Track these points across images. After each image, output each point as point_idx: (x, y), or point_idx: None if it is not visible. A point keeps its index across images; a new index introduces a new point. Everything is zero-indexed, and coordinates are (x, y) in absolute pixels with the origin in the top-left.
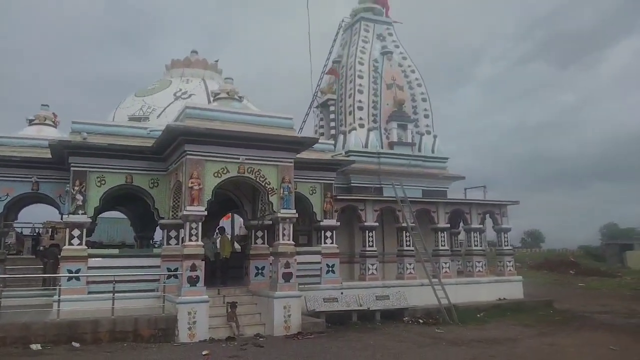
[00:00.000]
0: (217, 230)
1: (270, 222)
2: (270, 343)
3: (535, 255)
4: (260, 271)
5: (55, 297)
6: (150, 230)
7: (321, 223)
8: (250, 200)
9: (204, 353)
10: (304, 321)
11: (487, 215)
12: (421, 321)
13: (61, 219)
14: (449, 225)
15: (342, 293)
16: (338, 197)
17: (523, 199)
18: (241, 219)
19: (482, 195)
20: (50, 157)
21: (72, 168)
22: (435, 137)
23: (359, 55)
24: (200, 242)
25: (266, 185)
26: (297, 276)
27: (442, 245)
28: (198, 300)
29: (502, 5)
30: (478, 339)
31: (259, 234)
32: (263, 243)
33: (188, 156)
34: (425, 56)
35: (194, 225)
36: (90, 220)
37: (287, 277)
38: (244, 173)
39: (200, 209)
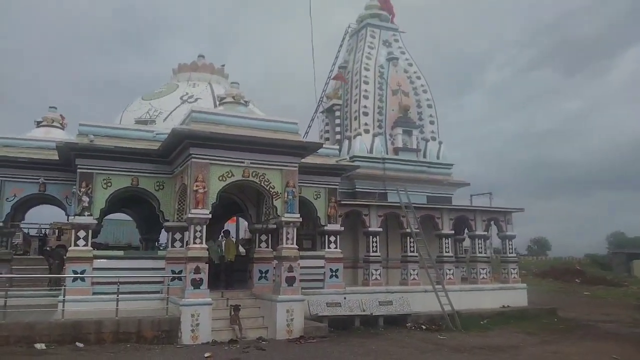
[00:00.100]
0: (222, 233)
1: (275, 226)
2: (273, 346)
3: (541, 263)
4: (263, 275)
5: (60, 298)
6: (155, 232)
7: (325, 228)
8: (254, 204)
9: (206, 355)
10: (307, 325)
11: (492, 222)
12: (424, 327)
13: (67, 220)
14: (453, 231)
15: (345, 298)
16: (342, 202)
17: (529, 206)
18: (246, 223)
19: (488, 202)
20: (58, 158)
21: (78, 170)
22: (440, 143)
23: (365, 61)
24: (204, 245)
25: (270, 189)
26: (301, 280)
27: (446, 252)
28: (201, 302)
29: (509, 11)
30: (481, 346)
31: (263, 237)
32: (267, 247)
33: (193, 159)
34: (432, 63)
35: (198, 228)
36: (96, 222)
37: (291, 281)
38: (248, 177)
39: (204, 212)
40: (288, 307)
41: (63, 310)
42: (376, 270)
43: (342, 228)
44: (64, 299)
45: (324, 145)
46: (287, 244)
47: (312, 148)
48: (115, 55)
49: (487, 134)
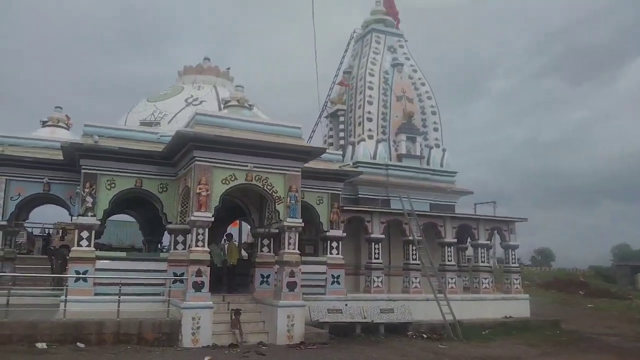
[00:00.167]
0: (224, 237)
1: (277, 231)
2: (273, 352)
3: (545, 274)
4: (265, 279)
5: (62, 298)
6: (158, 234)
7: (327, 233)
8: (257, 208)
9: (206, 359)
10: (307, 331)
11: (495, 232)
12: (425, 336)
13: (71, 220)
14: (456, 240)
15: (346, 305)
16: (345, 208)
17: (534, 215)
18: (248, 227)
19: (492, 211)
20: (62, 158)
21: (83, 170)
22: (444, 150)
23: (370, 66)
24: (206, 248)
25: (273, 193)
26: (302, 286)
27: (448, 260)
28: (202, 305)
29: (516, 19)
30: (481, 357)
31: (265, 242)
32: (269, 251)
33: (197, 162)
34: (438, 69)
35: (200, 230)
36: (99, 223)
37: (292, 286)
38: (251, 181)
39: (207, 215)
40: (289, 312)
41: (65, 310)
42: (378, 277)
43: (345, 234)
44: (65, 299)
45: (327, 151)
46: (289, 248)
47: (315, 153)
48: (118, 55)
49: (493, 142)
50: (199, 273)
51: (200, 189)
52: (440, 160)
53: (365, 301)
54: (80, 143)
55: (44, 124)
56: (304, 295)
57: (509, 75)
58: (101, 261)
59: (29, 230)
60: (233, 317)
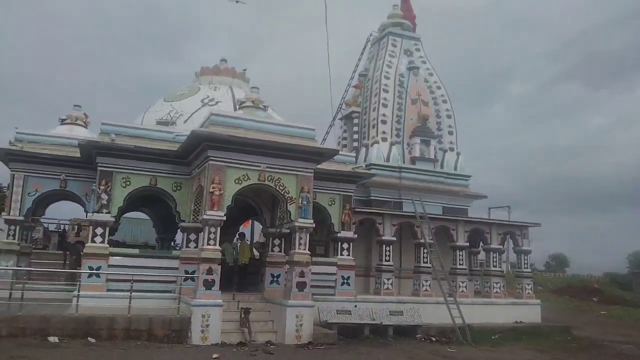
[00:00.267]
0: (237, 236)
1: (288, 231)
2: (281, 351)
3: (558, 280)
4: (275, 279)
5: (75, 293)
6: (171, 232)
7: (338, 234)
8: (269, 208)
9: (214, 356)
10: (316, 331)
11: (508, 236)
12: (434, 339)
13: (86, 216)
14: (468, 244)
15: (355, 306)
16: (357, 210)
17: (549, 221)
18: (260, 226)
19: (507, 215)
20: (79, 156)
21: (99, 168)
22: (458, 154)
23: (385, 69)
24: (217, 247)
25: (285, 194)
26: (312, 286)
27: (460, 264)
28: (212, 304)
29: (535, 24)
30: None
31: (276, 241)
32: (280, 251)
33: (211, 162)
34: (455, 73)
35: (212, 229)
36: (114, 220)
37: (301, 286)
38: (264, 181)
39: (219, 214)
40: (298, 312)
41: (77, 305)
42: (388, 279)
43: (356, 235)
44: (78, 294)
45: (340, 152)
46: (299, 249)
47: (328, 154)
48: (139, 56)
49: (509, 147)
50: (209, 271)
51: (213, 188)
52: (454, 163)
53: (374, 303)
54: (97, 141)
55: (63, 121)
56: (314, 296)
57: (527, 80)
58: (114, 257)
59: (45, 225)
60: (242, 315)
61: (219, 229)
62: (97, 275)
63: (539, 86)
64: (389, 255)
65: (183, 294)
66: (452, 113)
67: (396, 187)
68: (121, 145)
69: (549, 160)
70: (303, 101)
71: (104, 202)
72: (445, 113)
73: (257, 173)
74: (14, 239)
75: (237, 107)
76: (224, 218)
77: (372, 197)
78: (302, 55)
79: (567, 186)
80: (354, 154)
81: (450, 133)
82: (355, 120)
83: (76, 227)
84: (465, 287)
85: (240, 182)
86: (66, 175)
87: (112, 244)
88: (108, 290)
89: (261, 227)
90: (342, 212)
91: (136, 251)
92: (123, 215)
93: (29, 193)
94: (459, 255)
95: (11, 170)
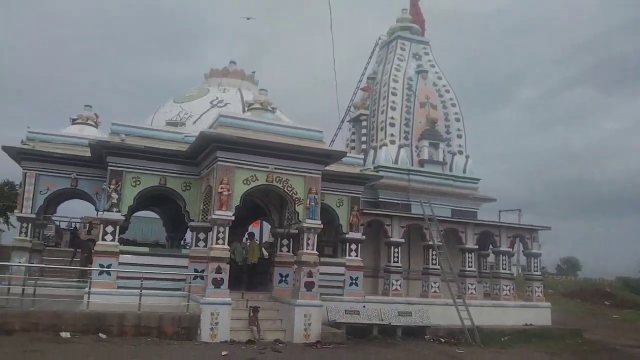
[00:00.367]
0: (246, 235)
1: (296, 231)
2: (289, 349)
3: (570, 283)
4: (284, 278)
5: (86, 290)
6: (181, 231)
7: (346, 235)
8: (277, 208)
9: (223, 353)
10: (324, 331)
11: (518, 240)
12: (443, 340)
13: (97, 215)
14: (477, 246)
15: (364, 306)
16: (365, 211)
17: (562, 225)
18: (269, 226)
19: (517, 219)
20: (90, 155)
21: (109, 167)
22: (467, 157)
23: (394, 72)
24: (226, 246)
25: (293, 195)
26: (320, 286)
27: (469, 266)
28: (221, 302)
29: (546, 28)
30: None
31: (285, 242)
32: (288, 251)
33: (219, 162)
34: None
35: (221, 229)
36: (124, 218)
37: (309, 286)
38: (272, 182)
39: (228, 214)
40: (306, 311)
41: (88, 301)
42: (397, 280)
43: (364, 237)
44: (89, 291)
45: (348, 154)
46: (307, 249)
47: (336, 156)
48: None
49: (520, 150)
50: (218, 270)
51: (222, 188)
52: (463, 166)
53: (383, 303)
54: (107, 141)
55: (74, 121)
56: (322, 296)
57: (537, 84)
58: (124, 255)
59: (57, 223)
60: (251, 314)
61: (227, 228)
62: (108, 273)
63: (549, 90)
64: (398, 257)
65: (192, 292)
66: (460, 116)
67: (404, 189)
68: (131, 146)
69: (560, 165)
70: (311, 103)
71: (114, 201)
72: (454, 116)
73: (265, 174)
74: (27, 236)
75: (246, 108)
76: (232, 218)
77: (380, 199)
78: (311, 57)
79: (579, 190)
80: (362, 156)
81: (459, 136)
82: (364, 123)
83: (87, 225)
84: (475, 289)
85: (248, 182)
86: (77, 174)
87: (123, 242)
88: (118, 287)
89: (270, 227)
90: (350, 214)
91: (146, 249)
92: (134, 214)
93: (40, 191)
94: (468, 257)
95: (23, 169)
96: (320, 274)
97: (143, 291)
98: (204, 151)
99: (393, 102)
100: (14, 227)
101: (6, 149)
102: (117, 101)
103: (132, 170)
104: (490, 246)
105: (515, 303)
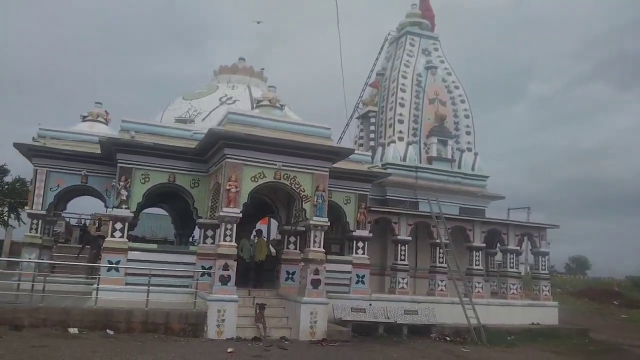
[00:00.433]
0: (254, 233)
1: (303, 229)
2: (295, 347)
3: (578, 282)
4: (290, 276)
5: (95, 286)
6: (189, 228)
7: (354, 233)
8: (285, 206)
9: (229, 350)
10: (330, 329)
11: (526, 238)
12: (448, 339)
13: (106, 211)
14: (484, 244)
15: (370, 304)
16: (372, 209)
17: (571, 223)
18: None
19: (526, 217)
20: (100, 152)
21: (119, 164)
22: (476, 154)
23: (403, 68)
24: (233, 243)
25: (300, 192)
26: (327, 284)
27: (476, 265)
28: (228, 299)
29: (558, 23)
30: None
31: (292, 239)
32: (295, 248)
33: (227, 159)
34: (474, 72)
35: (229, 226)
36: (133, 215)
37: (316, 283)
38: (279, 179)
39: (235, 211)
40: (312, 309)
41: (96, 298)
42: (403, 278)
43: (371, 234)
44: (97, 287)
45: (356, 151)
46: (314, 247)
47: (343, 153)
48: (160, 54)
49: (530, 148)
50: (225, 267)
51: (230, 185)
52: (471, 164)
53: (389, 302)
54: (117, 138)
55: (84, 118)
56: (329, 294)
57: (549, 80)
58: (133, 252)
59: (67, 220)
60: (258, 311)
61: (235, 225)
62: (116, 269)
63: (561, 86)
64: (405, 255)
65: (200, 289)
66: (470, 113)
67: (412, 186)
68: (141, 143)
69: (571, 162)
70: (320, 100)
71: (124, 197)
72: (463, 113)
73: (273, 171)
74: (37, 232)
75: (254, 105)
76: (240, 215)
77: (388, 197)
78: (320, 54)
79: (589, 188)
80: (370, 153)
81: (468, 133)
82: (372, 120)
83: (97, 221)
84: (482, 287)
85: (256, 179)
86: (87, 171)
87: (132, 238)
88: (126, 284)
89: (277, 224)
90: (357, 211)
91: (154, 246)
92: (143, 211)
93: (51, 188)
94: (476, 255)
95: (34, 166)
96: (327, 271)
97: (151, 288)
98: (213, 148)
99: (402, 98)
100: (24, 223)
101: (18, 145)
102: (128, 98)
103: (141, 167)
104: (498, 244)
105: (522, 302)
